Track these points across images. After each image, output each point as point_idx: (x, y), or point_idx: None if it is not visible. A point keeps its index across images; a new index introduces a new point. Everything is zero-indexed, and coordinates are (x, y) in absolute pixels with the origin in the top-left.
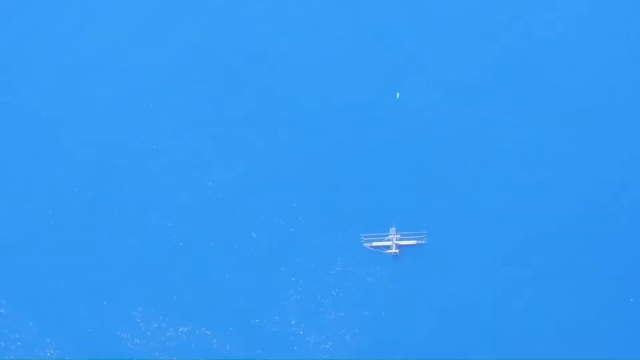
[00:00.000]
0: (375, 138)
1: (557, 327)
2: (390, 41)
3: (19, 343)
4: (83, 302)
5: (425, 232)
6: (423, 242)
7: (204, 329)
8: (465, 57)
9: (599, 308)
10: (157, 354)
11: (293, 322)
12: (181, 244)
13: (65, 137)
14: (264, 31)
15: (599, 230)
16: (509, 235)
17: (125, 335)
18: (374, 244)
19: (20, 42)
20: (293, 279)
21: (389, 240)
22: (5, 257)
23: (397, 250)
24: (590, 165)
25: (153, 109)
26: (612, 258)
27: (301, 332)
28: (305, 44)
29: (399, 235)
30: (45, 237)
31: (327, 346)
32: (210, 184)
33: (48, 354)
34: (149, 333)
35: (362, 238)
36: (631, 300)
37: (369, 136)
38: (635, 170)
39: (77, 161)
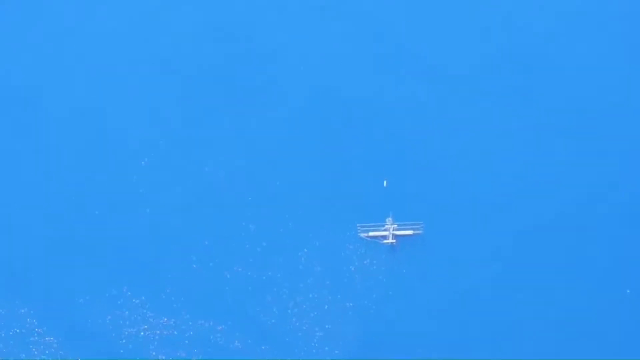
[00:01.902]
0: (372, 129)
1: (555, 320)
2: (387, 33)
3: (16, 330)
4: (80, 293)
5: (422, 222)
6: (420, 232)
7: (201, 320)
8: (461, 49)
9: (596, 297)
10: (152, 342)
11: (289, 312)
12: (180, 237)
13: (63, 130)
14: (260, 25)
15: (596, 219)
16: (506, 226)
17: (121, 324)
18: (371, 233)
19: (14, 35)
20: (290, 270)
21: (385, 230)
22: (4, 250)
23: (393, 240)
24: (587, 156)
25: (150, 101)
26: (610, 246)
27: (297, 323)
28: (303, 36)
29: (395, 225)
30: (44, 230)
31: (323, 335)
32: (207, 177)
33: (37, 338)
34: (145, 325)
35: (358, 228)
36: (628, 291)
37: (366, 127)
38: (632, 161)
39: (75, 159)
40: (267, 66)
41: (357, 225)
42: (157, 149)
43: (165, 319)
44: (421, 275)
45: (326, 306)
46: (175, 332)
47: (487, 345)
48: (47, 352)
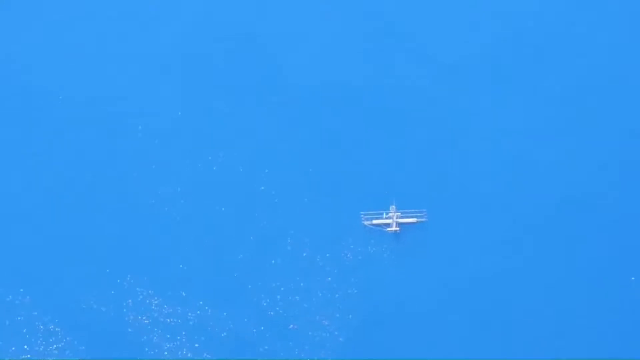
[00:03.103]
0: (375, 116)
1: (559, 309)
2: (389, 22)
3: (20, 318)
4: (84, 282)
5: (425, 210)
6: (423, 220)
7: (206, 308)
8: (463, 34)
9: (599, 285)
10: (156, 330)
11: (293, 299)
12: (184, 225)
13: (64, 121)
14: (260, 15)
15: (601, 207)
16: (510, 213)
17: (125, 312)
18: (374, 221)
19: (13, 29)
20: (294, 258)
21: (389, 218)
22: (7, 240)
23: (397, 228)
24: (592, 142)
25: (156, 87)
26: (615, 234)
27: (301, 310)
28: (300, 24)
29: (399, 213)
30: (47, 220)
31: (326, 323)
32: (211, 166)
33: (43, 327)
34: (149, 313)
35: (362, 216)
36: (632, 278)
37: (369, 115)
38: (636, 147)
39: (77, 149)
40: (269, 55)
41: (361, 213)
42: (158, 138)
43: (169, 307)
44: (425, 263)
45: (330, 294)
46: (179, 320)
47: (492, 333)
48: (50, 339)
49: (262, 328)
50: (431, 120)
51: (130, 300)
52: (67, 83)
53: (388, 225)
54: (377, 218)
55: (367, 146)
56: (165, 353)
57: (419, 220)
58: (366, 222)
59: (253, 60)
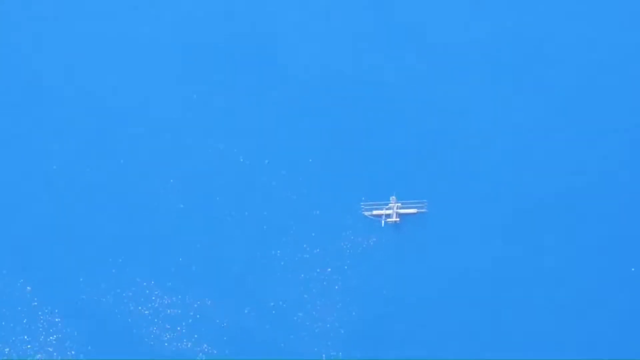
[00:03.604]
0: (376, 106)
1: (560, 299)
2: (389, 10)
3: (19, 308)
4: (84, 272)
5: (426, 200)
6: (424, 210)
7: (207, 298)
8: (462, 28)
9: (600, 277)
10: (156, 320)
11: (294, 290)
12: (184, 217)
13: (62, 110)
14: (259, 3)
15: (600, 196)
16: (510, 204)
17: (126, 303)
18: (374, 212)
19: (17, 22)
20: (294, 248)
21: (389, 208)
22: (7, 229)
23: (397, 219)
24: (594, 132)
25: (156, 80)
26: (615, 226)
27: (302, 301)
28: (300, 17)
29: (399, 204)
30: (47, 210)
31: (326, 315)
32: (212, 158)
33: (43, 317)
34: (149, 304)
35: (362, 206)
36: (632, 269)
37: (369, 104)
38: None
39: (77, 138)
40: (269, 46)
41: (361, 203)
42: (159, 130)
43: (169, 298)
44: (425, 254)
45: (330, 285)
46: (179, 311)
47: (491, 324)
48: (51, 330)
49: (262, 319)
50: (432, 111)
51: (130, 293)
52: (68, 79)
53: (388, 215)
54: (377, 209)
55: (367, 137)
56: (165, 344)
57: (419, 211)
58: (366, 213)
59: (252, 52)
